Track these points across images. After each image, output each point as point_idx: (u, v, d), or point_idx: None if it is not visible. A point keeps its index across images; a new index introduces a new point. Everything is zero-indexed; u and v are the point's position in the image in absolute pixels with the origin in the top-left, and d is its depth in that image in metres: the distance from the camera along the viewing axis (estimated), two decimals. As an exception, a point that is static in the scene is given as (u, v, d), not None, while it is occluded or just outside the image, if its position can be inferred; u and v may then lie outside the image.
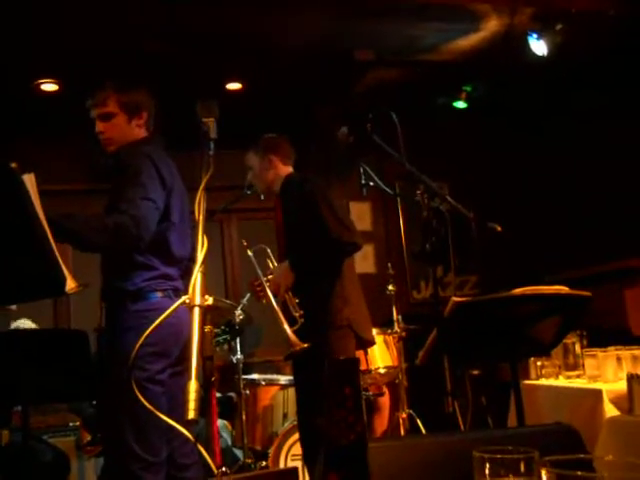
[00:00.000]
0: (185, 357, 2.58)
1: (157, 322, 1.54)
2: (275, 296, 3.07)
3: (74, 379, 2.92)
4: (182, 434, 1.59)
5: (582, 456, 0.61)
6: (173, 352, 2.55)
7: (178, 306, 1.50)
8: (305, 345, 2.80)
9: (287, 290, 3.04)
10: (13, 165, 1.59)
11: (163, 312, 1.56)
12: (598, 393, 2.77)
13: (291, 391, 3.93)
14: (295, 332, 2.86)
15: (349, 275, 3.16)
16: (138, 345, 1.58)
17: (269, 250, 3.39)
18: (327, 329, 2.99)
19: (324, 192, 3.08)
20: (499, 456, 0.73)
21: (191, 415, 1.29)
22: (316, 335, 2.90)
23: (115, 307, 2.57)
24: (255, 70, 4.83)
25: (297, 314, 2.97)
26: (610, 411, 2.69)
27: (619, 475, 0.57)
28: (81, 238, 2.33)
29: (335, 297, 3.04)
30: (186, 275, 2.69)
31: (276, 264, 3.27)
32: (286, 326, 2.88)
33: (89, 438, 3.86)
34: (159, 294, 2.56)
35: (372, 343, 3.36)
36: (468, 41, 4.70)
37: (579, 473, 0.55)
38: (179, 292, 2.61)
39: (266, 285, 3.12)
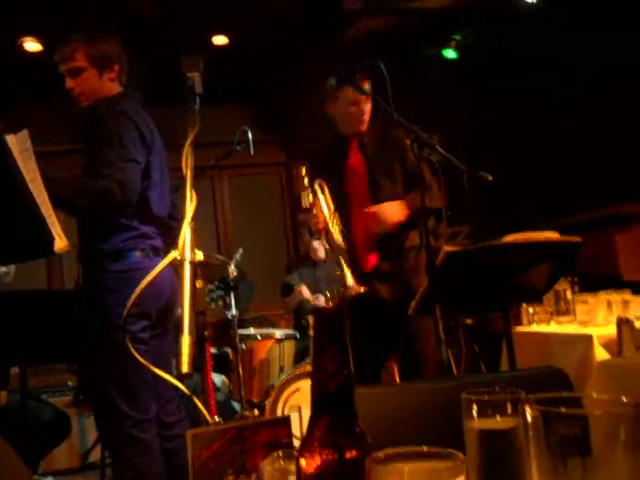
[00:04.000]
0: (166, 317, 2.57)
1: (144, 283, 1.46)
2: (321, 233, 2.91)
3: (68, 339, 2.93)
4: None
5: (567, 394, 0.61)
6: (152, 312, 2.50)
7: (167, 263, 1.48)
8: (362, 289, 2.69)
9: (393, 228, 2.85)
10: (-5, 125, 1.57)
11: (143, 272, 1.53)
12: (589, 338, 2.81)
13: (287, 344, 3.96)
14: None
15: None
16: (128, 307, 1.54)
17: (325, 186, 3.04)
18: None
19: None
20: (486, 397, 0.74)
21: (184, 369, 1.29)
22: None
23: (93, 268, 2.51)
24: (240, 22, 4.74)
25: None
26: (600, 355, 2.74)
27: (604, 411, 0.57)
28: (68, 204, 2.30)
29: None
30: (166, 233, 2.64)
31: (330, 204, 3.00)
32: (347, 270, 2.73)
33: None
34: (138, 253, 2.49)
35: None
36: (457, -12, 4.62)
37: (563, 409, 0.56)
38: (158, 250, 2.56)
39: (331, 221, 2.91)
